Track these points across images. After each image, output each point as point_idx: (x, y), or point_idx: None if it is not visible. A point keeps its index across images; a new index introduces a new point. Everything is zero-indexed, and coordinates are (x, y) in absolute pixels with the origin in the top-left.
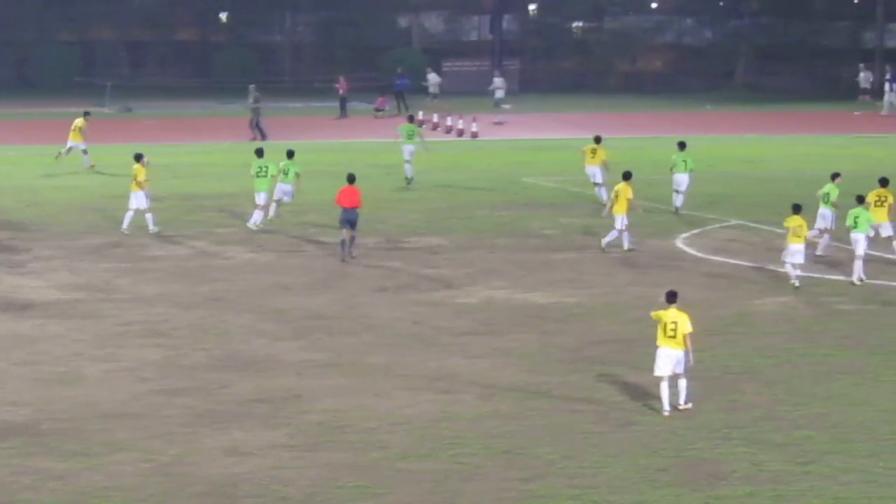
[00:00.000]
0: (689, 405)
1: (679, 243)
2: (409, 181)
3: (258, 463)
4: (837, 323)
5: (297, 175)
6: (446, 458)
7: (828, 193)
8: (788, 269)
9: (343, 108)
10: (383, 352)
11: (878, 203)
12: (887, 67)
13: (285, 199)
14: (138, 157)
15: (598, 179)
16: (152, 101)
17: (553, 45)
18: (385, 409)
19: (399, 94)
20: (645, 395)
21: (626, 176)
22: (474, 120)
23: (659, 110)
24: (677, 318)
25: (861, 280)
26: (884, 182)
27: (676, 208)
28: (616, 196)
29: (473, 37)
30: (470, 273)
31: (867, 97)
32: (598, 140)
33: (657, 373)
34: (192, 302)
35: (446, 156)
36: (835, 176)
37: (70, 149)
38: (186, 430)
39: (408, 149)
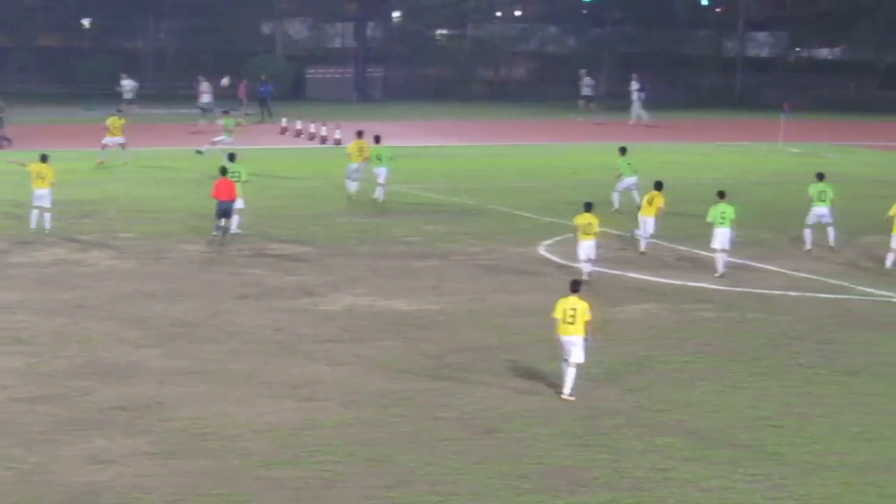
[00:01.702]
0: (572, 398)
1: (542, 250)
2: (375, 201)
3: (119, 471)
4: (698, 330)
5: None
6: (309, 465)
7: (824, 191)
8: (582, 265)
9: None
10: (246, 359)
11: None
12: (634, 76)
13: None
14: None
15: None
16: (15, 108)
17: (417, 53)
18: (247, 416)
19: (263, 101)
20: (506, 402)
21: (658, 186)
22: (337, 127)
23: (522, 118)
24: (576, 305)
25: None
26: (820, 176)
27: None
28: (650, 201)
29: (337, 44)
30: (332, 280)
31: (591, 105)
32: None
33: (564, 357)
34: (54, 309)
35: (310, 163)
36: (821, 176)
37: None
38: (47, 437)
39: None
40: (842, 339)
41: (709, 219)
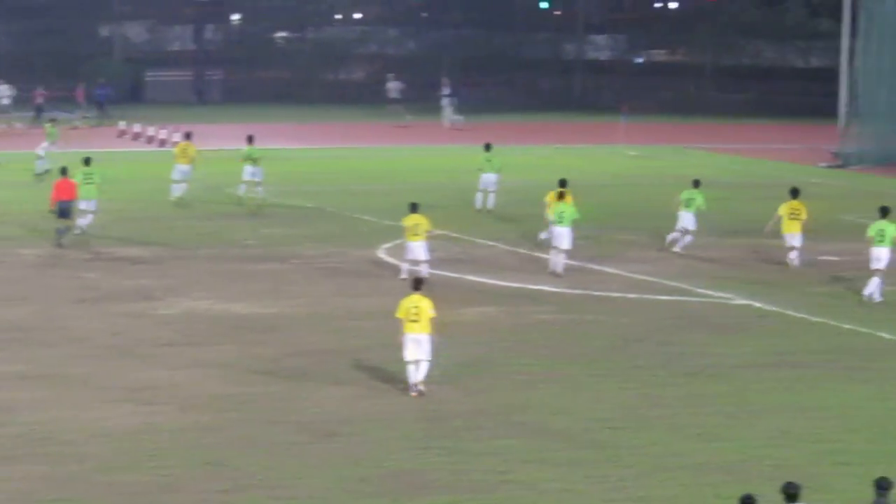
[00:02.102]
0: (424, 389)
1: (381, 253)
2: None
3: None
4: (537, 332)
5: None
6: (146, 469)
7: (692, 199)
8: (410, 266)
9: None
10: (83, 363)
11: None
12: (444, 80)
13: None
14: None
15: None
16: None
17: (256, 56)
18: (85, 421)
19: (100, 105)
20: (346, 405)
21: (696, 183)
22: (175, 130)
23: (361, 121)
24: (419, 303)
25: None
26: (794, 192)
27: (488, 209)
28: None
29: (176, 46)
30: (170, 284)
31: (399, 108)
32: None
33: (406, 357)
34: None
35: (149, 166)
36: (696, 182)
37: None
38: None
39: (248, 170)
40: (680, 341)
41: (550, 218)
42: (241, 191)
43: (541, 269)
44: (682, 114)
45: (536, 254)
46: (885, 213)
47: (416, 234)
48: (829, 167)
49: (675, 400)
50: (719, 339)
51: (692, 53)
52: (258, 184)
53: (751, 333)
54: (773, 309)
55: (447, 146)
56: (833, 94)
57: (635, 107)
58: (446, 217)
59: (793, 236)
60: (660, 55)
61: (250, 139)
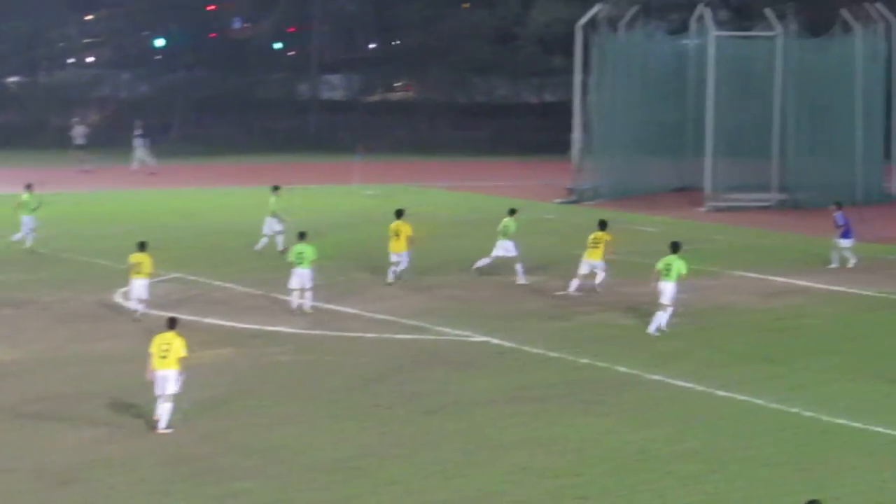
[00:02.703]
0: (168, 430)
1: (117, 297)
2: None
3: None
4: (276, 374)
5: None
6: None
7: (507, 226)
8: (132, 303)
9: None
10: None
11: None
12: (137, 122)
13: None
14: None
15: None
16: None
17: None
18: None
19: None
20: (84, 450)
21: (512, 212)
22: None
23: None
24: (171, 341)
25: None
26: (603, 224)
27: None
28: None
29: None
30: None
31: (82, 154)
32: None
33: (156, 392)
34: None
35: None
36: (512, 211)
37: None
38: None
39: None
40: (419, 379)
41: (289, 258)
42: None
43: (278, 310)
44: (419, 152)
45: (274, 294)
46: (675, 248)
47: (140, 273)
48: (564, 202)
49: (415, 438)
50: (458, 376)
51: (427, 92)
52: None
53: (489, 370)
54: (511, 345)
55: (155, 189)
56: (567, 130)
57: (371, 146)
58: (181, 258)
59: (592, 264)
60: (394, 94)
61: (28, 187)
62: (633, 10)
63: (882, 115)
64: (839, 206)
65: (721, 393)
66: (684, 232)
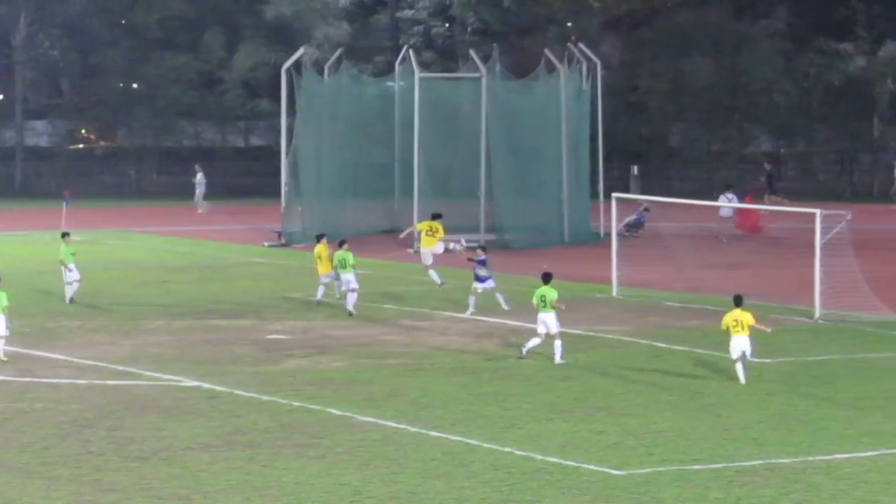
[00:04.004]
0: None
1: None
2: None
3: None
4: None
5: None
6: None
7: (343, 259)
8: None
9: None
10: None
11: None
12: None
13: None
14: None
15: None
16: None
17: None
18: None
19: None
20: None
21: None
22: None
23: None
24: None
25: None
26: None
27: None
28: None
29: None
30: None
31: None
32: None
33: None
34: None
35: None
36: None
37: None
38: None
39: None
40: (131, 426)
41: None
42: None
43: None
44: (126, 198)
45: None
46: (546, 279)
47: None
48: (273, 246)
49: (129, 485)
50: (170, 421)
51: (133, 137)
52: None
53: (201, 415)
54: (223, 389)
55: None
56: (276, 174)
57: (77, 192)
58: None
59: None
60: (100, 140)
61: None
62: (338, 52)
63: (587, 154)
64: (484, 249)
65: (434, 433)
66: (395, 273)
